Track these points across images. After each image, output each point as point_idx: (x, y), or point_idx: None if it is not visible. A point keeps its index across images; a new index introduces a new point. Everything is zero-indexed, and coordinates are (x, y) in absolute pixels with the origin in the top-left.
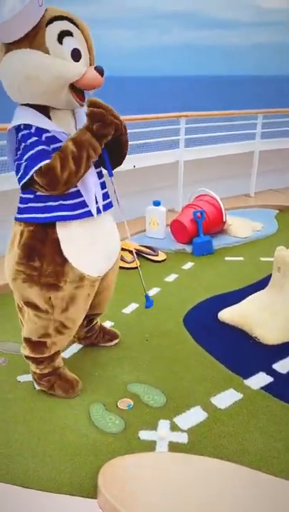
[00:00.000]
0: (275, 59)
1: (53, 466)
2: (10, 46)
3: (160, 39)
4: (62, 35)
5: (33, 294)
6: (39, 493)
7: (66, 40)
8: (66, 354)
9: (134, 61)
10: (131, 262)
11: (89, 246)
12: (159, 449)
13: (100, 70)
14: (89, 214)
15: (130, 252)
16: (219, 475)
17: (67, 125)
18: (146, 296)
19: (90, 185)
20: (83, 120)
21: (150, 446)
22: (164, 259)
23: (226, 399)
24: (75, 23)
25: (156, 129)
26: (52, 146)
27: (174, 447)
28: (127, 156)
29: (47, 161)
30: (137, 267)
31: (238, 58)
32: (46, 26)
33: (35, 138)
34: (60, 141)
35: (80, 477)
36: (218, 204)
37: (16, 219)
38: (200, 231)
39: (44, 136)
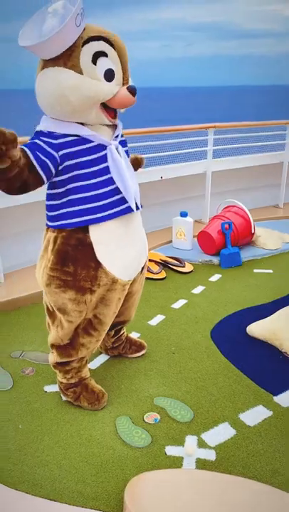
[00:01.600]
0: None
1: (79, 478)
2: (47, 63)
3: (188, 50)
4: (97, 55)
5: (66, 298)
6: (65, 506)
7: (100, 60)
8: (93, 365)
9: (162, 72)
10: (157, 273)
11: (121, 248)
12: (186, 466)
13: (132, 90)
14: (121, 213)
15: (157, 262)
16: (248, 495)
17: (100, 131)
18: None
19: (128, 182)
20: (119, 129)
21: (177, 462)
22: (191, 271)
23: (254, 416)
24: (111, 43)
25: (184, 140)
26: (81, 147)
27: (201, 464)
28: (155, 166)
29: (24, 148)
30: (164, 278)
31: (266, 68)
32: (82, 46)
33: (46, 138)
34: (92, 142)
35: (105, 491)
36: (247, 215)
37: (48, 226)
38: (228, 243)
39: (70, 138)
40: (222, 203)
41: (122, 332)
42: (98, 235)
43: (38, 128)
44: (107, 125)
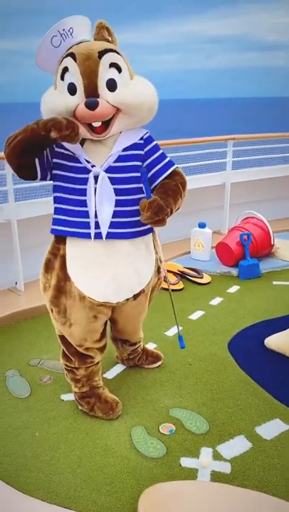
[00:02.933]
0: None
1: (94, 487)
2: None
3: (207, 62)
4: (64, 71)
5: (48, 301)
6: None
7: (66, 76)
8: (110, 375)
9: (182, 84)
10: (175, 284)
11: (95, 268)
12: (201, 478)
13: (88, 104)
14: (98, 236)
15: (174, 273)
16: (262, 510)
17: (95, 153)
18: (180, 337)
19: (92, 207)
20: (117, 148)
21: (192, 473)
22: (209, 282)
23: (271, 429)
24: (75, 58)
25: (204, 152)
26: (70, 165)
27: (216, 477)
28: None
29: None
30: (181, 289)
31: (285, 79)
32: (59, 65)
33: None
34: (81, 163)
35: (120, 501)
36: (266, 226)
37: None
38: (247, 254)
39: (65, 152)
40: (241, 214)
41: (138, 344)
42: (73, 249)
43: None
44: (106, 145)
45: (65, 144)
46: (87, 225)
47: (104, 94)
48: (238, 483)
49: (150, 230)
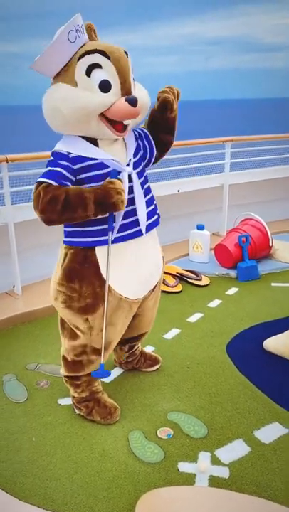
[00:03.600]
0: None
1: (90, 493)
2: (52, 81)
3: (207, 64)
4: (91, 67)
5: (71, 314)
6: None
7: (94, 72)
8: (107, 379)
9: (182, 85)
10: (173, 286)
11: (127, 268)
12: (199, 483)
13: (130, 101)
14: (128, 237)
15: (173, 275)
16: None
17: (115, 152)
18: (101, 366)
19: (139, 207)
20: (132, 148)
21: (189, 478)
22: (208, 284)
23: (270, 433)
24: (107, 55)
25: (201, 154)
26: (96, 173)
27: (214, 482)
28: (172, 180)
29: (48, 181)
30: (180, 291)
31: (286, 81)
32: (78, 61)
33: (65, 163)
34: (108, 167)
35: (117, 507)
36: (264, 228)
37: (63, 241)
38: (245, 256)
39: (87, 163)
40: (239, 216)
41: (136, 347)
42: (103, 254)
43: (58, 148)
44: (119, 143)
45: (85, 154)
46: (128, 226)
47: (134, 92)
48: (236, 488)
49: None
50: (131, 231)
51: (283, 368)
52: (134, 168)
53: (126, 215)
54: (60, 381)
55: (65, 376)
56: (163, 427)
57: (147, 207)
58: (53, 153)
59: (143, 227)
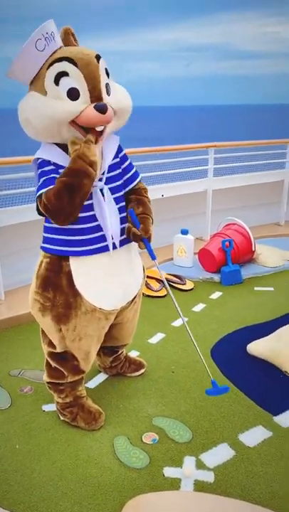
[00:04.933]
0: None
1: (75, 500)
2: (28, 87)
3: (188, 70)
4: (59, 76)
5: (46, 322)
6: None
7: (62, 80)
8: (91, 384)
9: (162, 91)
10: (158, 291)
11: (102, 279)
12: (184, 488)
13: (99, 108)
14: (103, 250)
15: (157, 280)
16: None
17: None
18: (213, 382)
19: (107, 223)
20: (106, 160)
21: (175, 483)
22: (192, 288)
23: (254, 436)
24: (74, 62)
25: (185, 159)
26: None
27: (199, 486)
28: (156, 185)
29: (46, 189)
30: (164, 296)
31: (265, 88)
32: (48, 69)
33: (52, 167)
34: None
35: None
36: (247, 233)
37: (40, 247)
38: (228, 260)
39: (60, 171)
40: (223, 220)
41: (120, 351)
42: (77, 264)
43: (38, 155)
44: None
45: (58, 161)
46: (98, 240)
47: (105, 98)
48: (221, 491)
49: None
50: (101, 245)
51: (267, 371)
52: (108, 183)
53: (96, 229)
54: (45, 387)
55: (47, 382)
56: (148, 432)
57: (122, 223)
58: (39, 163)
59: (116, 241)
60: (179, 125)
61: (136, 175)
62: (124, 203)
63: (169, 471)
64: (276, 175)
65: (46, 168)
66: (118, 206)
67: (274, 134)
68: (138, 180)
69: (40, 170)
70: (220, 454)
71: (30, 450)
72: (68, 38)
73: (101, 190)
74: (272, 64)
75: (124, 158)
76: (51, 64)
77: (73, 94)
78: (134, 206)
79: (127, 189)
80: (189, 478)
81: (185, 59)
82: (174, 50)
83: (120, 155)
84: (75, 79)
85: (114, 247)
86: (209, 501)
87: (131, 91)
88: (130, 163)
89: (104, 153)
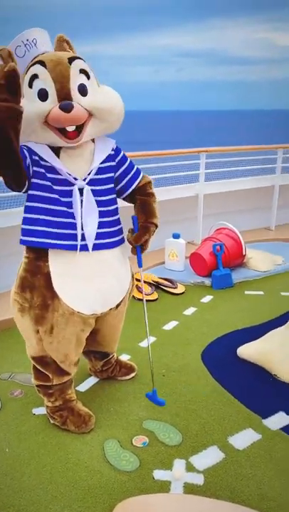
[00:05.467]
0: None
1: (65, 504)
2: None
3: (179, 75)
4: (32, 79)
5: (25, 323)
6: None
7: (34, 82)
8: (82, 388)
9: (154, 96)
10: (149, 294)
11: (81, 282)
12: (174, 490)
13: (63, 107)
14: (80, 248)
15: (149, 284)
16: None
17: (73, 164)
18: (154, 391)
19: (79, 221)
20: (94, 162)
21: (165, 486)
22: (183, 292)
23: (244, 439)
24: (44, 64)
25: (177, 164)
26: (49, 176)
27: (189, 489)
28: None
29: None
30: (156, 299)
31: (257, 94)
32: (26, 74)
33: (36, 158)
34: (60, 175)
35: None
36: (238, 237)
37: (19, 240)
38: (219, 264)
39: (43, 162)
40: (214, 225)
41: (111, 356)
42: (57, 265)
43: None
44: (85, 156)
45: (43, 155)
46: (72, 237)
47: (77, 98)
48: (210, 494)
49: (124, 239)
50: (71, 243)
51: (257, 374)
52: (92, 185)
53: (67, 226)
54: (35, 390)
55: (36, 385)
56: (138, 435)
57: (100, 227)
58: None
59: (90, 243)
60: (171, 130)
61: (137, 174)
62: (110, 208)
63: (159, 474)
64: (267, 180)
65: (27, 146)
66: (101, 209)
67: (266, 140)
68: (140, 178)
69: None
70: (209, 457)
71: (20, 453)
72: (61, 45)
73: (81, 189)
74: (265, 70)
75: (123, 161)
76: (28, 69)
77: (42, 95)
78: (139, 213)
79: (132, 189)
80: (179, 480)
81: (176, 64)
82: (166, 56)
83: (117, 159)
84: (44, 80)
85: (86, 249)
86: (198, 503)
87: (123, 95)
88: (130, 163)
89: (94, 155)
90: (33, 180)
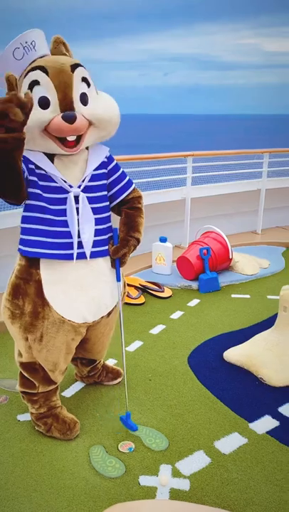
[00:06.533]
0: (278, 98)
1: (50, 511)
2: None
3: (166, 79)
4: (32, 85)
5: (14, 330)
6: None
7: (35, 89)
8: (68, 393)
9: (141, 100)
10: (136, 298)
11: (73, 290)
12: (160, 496)
13: (66, 118)
14: (65, 257)
15: (136, 287)
16: None
17: (68, 170)
18: (127, 415)
19: (75, 229)
20: (88, 169)
21: (150, 492)
22: (170, 296)
23: (230, 443)
24: (46, 71)
25: (163, 168)
26: (41, 184)
27: (175, 494)
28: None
29: None
30: (143, 303)
31: (243, 99)
32: (24, 78)
33: (31, 165)
34: (55, 182)
35: None
36: (224, 241)
37: (18, 249)
38: (206, 268)
39: (37, 171)
40: (200, 229)
41: (98, 362)
42: (49, 272)
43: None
44: (79, 163)
45: (38, 162)
46: (67, 246)
47: (78, 107)
48: (196, 499)
49: None
50: (66, 252)
51: (243, 378)
52: (86, 192)
53: (65, 235)
54: (20, 397)
55: (21, 392)
56: (124, 440)
57: (96, 235)
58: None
59: (87, 251)
60: (158, 134)
61: (128, 185)
62: (104, 215)
63: (145, 480)
64: (253, 184)
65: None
66: (96, 217)
67: (252, 144)
68: (131, 189)
69: None
70: (196, 462)
71: (4, 461)
72: (58, 47)
73: (77, 197)
74: (252, 75)
75: (115, 169)
76: (27, 73)
77: (43, 103)
78: (122, 225)
79: (120, 199)
80: (165, 486)
81: (165, 69)
82: (153, 60)
83: (109, 167)
84: (45, 87)
85: (85, 257)
86: (184, 509)
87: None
88: (122, 173)
89: (88, 162)
90: (30, 189)
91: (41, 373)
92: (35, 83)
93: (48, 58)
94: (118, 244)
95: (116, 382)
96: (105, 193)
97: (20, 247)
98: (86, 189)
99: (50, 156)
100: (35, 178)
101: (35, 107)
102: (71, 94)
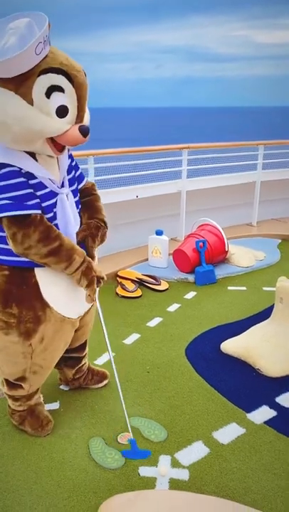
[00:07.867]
0: (271, 90)
1: (50, 503)
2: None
3: (158, 72)
4: (52, 89)
5: (10, 341)
6: None
7: (55, 95)
8: (65, 386)
9: (134, 92)
10: (133, 291)
11: (71, 288)
12: (160, 486)
13: (83, 131)
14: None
15: (132, 281)
16: None
17: (52, 169)
18: (132, 442)
19: (72, 228)
20: (65, 165)
21: (150, 482)
22: (167, 289)
23: (228, 434)
24: (71, 78)
25: (158, 160)
26: (38, 193)
27: (174, 484)
28: (131, 186)
29: (28, 212)
30: (139, 296)
31: (236, 90)
32: (39, 75)
33: (22, 179)
34: (47, 187)
35: None
36: (220, 233)
37: None
38: (202, 260)
39: (30, 182)
40: (196, 221)
41: (83, 362)
42: (44, 274)
43: (2, 161)
44: (54, 159)
45: (28, 168)
46: None
47: (85, 119)
48: (196, 489)
49: None
50: None
51: (240, 369)
52: (69, 186)
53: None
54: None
55: (4, 393)
56: (123, 432)
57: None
58: (2, 173)
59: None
60: (151, 127)
61: (82, 175)
62: (79, 208)
63: (145, 471)
64: (248, 176)
65: (14, 181)
66: (78, 211)
67: (247, 136)
68: (86, 179)
69: (5, 182)
70: (194, 452)
71: (4, 454)
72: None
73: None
74: (243, 67)
75: (72, 159)
76: (44, 71)
77: (62, 112)
78: (84, 212)
79: (79, 187)
80: (164, 476)
81: (156, 61)
82: (145, 52)
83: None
84: (69, 97)
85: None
86: (184, 499)
87: (101, 92)
88: (76, 164)
89: (60, 159)
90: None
91: (31, 378)
92: (57, 89)
93: (61, 58)
94: (81, 228)
95: (102, 384)
96: (77, 184)
97: (4, 257)
98: (68, 182)
99: (32, 155)
100: (31, 190)
101: (51, 114)
102: (86, 106)
